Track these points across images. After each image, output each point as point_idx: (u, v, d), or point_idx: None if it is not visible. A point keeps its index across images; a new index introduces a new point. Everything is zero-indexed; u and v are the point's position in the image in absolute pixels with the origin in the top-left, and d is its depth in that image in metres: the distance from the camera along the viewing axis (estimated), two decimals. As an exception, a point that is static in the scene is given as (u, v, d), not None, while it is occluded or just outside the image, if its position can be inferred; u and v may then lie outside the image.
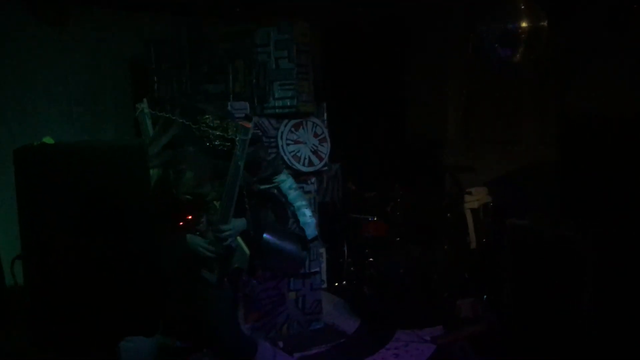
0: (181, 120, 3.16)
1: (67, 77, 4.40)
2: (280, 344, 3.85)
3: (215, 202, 3.19)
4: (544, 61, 4.62)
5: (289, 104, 4.19)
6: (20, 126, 4.08)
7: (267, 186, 3.54)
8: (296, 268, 3.93)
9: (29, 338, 2.12)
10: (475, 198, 4.90)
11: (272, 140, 4.23)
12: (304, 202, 3.93)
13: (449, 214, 5.00)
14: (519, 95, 5.17)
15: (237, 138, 3.04)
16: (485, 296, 4.60)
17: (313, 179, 4.47)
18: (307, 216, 3.92)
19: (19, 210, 2.05)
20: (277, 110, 4.21)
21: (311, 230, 3.91)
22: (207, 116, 3.22)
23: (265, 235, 3.38)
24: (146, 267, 2.13)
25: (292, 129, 4.30)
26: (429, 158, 5.71)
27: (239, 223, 3.23)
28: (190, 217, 3.21)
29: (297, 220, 3.89)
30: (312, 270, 4.42)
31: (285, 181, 3.79)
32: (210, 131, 3.17)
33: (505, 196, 4.89)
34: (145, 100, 3.32)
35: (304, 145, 4.34)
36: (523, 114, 5.12)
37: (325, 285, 5.07)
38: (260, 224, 3.35)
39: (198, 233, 3.18)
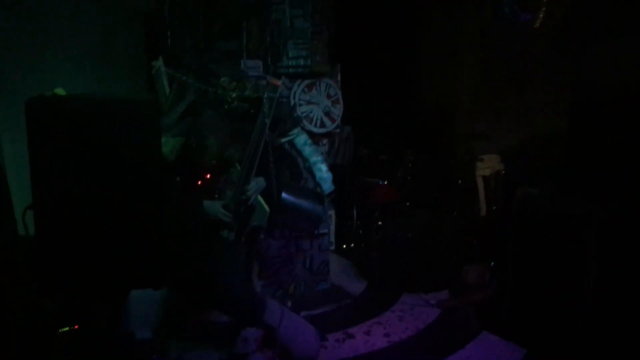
0: (198, 85, 3.14)
1: (80, 30, 4.37)
2: (289, 303, 3.90)
3: (236, 163, 3.19)
4: (562, 28, 4.52)
5: (302, 63, 4.15)
6: (34, 77, 4.07)
7: (285, 139, 3.53)
8: (313, 225, 3.95)
9: (38, 285, 2.17)
10: (487, 165, 4.87)
11: (284, 100, 4.20)
12: (319, 158, 3.92)
13: (459, 181, 4.98)
14: (535, 63, 5.07)
15: (265, 96, 3.02)
16: (492, 263, 4.61)
17: (324, 141, 4.45)
18: (323, 171, 3.92)
19: (30, 159, 2.06)
20: (290, 70, 4.17)
21: (328, 186, 3.92)
22: (223, 78, 3.19)
23: (283, 194, 3.39)
24: (153, 220, 2.15)
25: (305, 90, 4.26)
26: (442, 123, 5.65)
27: (259, 182, 3.23)
28: (209, 176, 3.21)
29: (313, 176, 3.88)
30: (321, 232, 4.44)
31: (300, 137, 3.77)
32: (227, 93, 3.15)
33: (517, 165, 4.85)
34: (161, 58, 3.29)
35: (317, 106, 4.31)
36: (538, 82, 5.03)
37: (333, 247, 5.10)
38: (280, 182, 3.35)
39: (217, 192, 3.18)
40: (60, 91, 2.25)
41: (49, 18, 4.23)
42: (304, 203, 3.59)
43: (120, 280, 2.26)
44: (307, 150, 3.88)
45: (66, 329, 3.21)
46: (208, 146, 3.15)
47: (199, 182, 3.23)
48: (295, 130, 3.62)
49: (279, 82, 3.05)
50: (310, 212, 3.66)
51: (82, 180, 2.04)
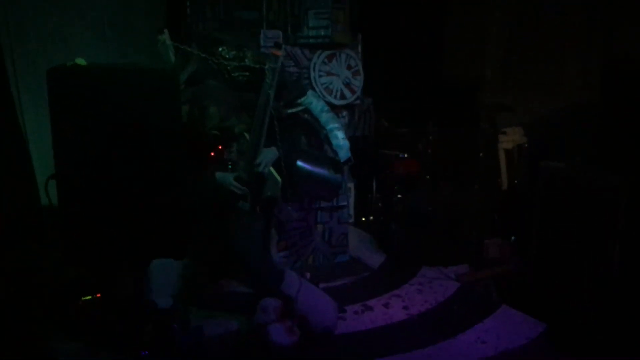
0: (197, 53, 3.12)
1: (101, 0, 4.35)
2: (308, 275, 3.92)
3: (245, 133, 3.18)
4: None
5: (323, 33, 4.10)
6: (55, 48, 4.08)
7: (295, 109, 3.49)
8: (332, 192, 3.92)
9: (62, 254, 2.19)
10: (510, 138, 4.78)
11: (304, 71, 4.16)
12: (336, 125, 3.88)
13: (481, 154, 4.91)
14: (563, 34, 4.93)
15: (267, 67, 3.00)
16: (513, 238, 4.57)
17: (344, 113, 4.41)
18: (339, 139, 3.87)
19: (52, 129, 2.07)
20: (310, 40, 4.12)
21: (344, 153, 3.87)
22: (221, 48, 3.16)
23: (298, 162, 3.37)
24: (175, 189, 2.15)
25: (326, 60, 4.21)
26: (465, 96, 5.56)
27: (270, 153, 3.22)
28: (220, 147, 3.22)
29: (329, 143, 3.85)
30: (340, 204, 4.44)
31: (316, 104, 3.73)
32: (226, 63, 3.12)
33: (542, 138, 4.76)
34: (166, 31, 3.24)
35: (337, 77, 4.26)
36: (567, 54, 4.90)
37: (352, 220, 5.09)
38: (292, 151, 3.33)
39: (230, 163, 3.18)
40: (80, 61, 2.25)
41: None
42: (320, 171, 3.57)
43: (142, 250, 2.28)
44: (324, 117, 3.83)
45: (89, 297, 3.28)
46: (208, 116, 3.14)
47: (212, 154, 3.22)
48: (303, 100, 3.57)
49: (280, 53, 3.01)
50: (327, 179, 3.63)
51: (104, 148, 2.05)
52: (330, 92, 4.23)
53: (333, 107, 4.24)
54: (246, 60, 3.16)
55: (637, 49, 4.10)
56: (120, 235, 2.17)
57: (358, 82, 4.34)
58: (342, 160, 3.88)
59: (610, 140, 3.53)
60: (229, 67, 3.15)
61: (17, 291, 3.25)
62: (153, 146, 2.09)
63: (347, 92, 4.30)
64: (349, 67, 4.29)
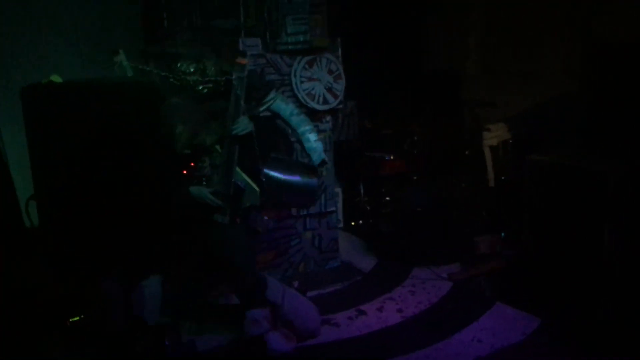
0: (156, 72, 3.07)
1: (76, 15, 4.30)
2: (295, 283, 3.88)
3: (217, 146, 3.10)
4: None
5: (302, 39, 4.06)
6: (30, 63, 4.03)
7: (263, 107, 3.42)
8: (308, 198, 3.85)
9: (49, 271, 2.15)
10: (494, 135, 4.79)
11: (285, 77, 4.12)
12: (307, 127, 3.82)
13: (467, 152, 4.91)
14: (543, 24, 4.94)
15: (234, 77, 2.93)
16: (503, 233, 4.57)
17: (328, 118, 4.38)
18: (311, 141, 3.82)
19: (29, 148, 2.03)
20: (290, 47, 4.08)
21: (317, 156, 3.81)
22: (179, 64, 3.11)
23: (266, 170, 3.30)
24: (158, 202, 2.12)
25: (306, 66, 4.18)
26: (448, 93, 5.56)
27: (244, 120, 3.08)
28: (192, 164, 3.15)
29: (303, 147, 3.78)
30: (328, 210, 4.40)
31: (285, 108, 3.67)
32: (188, 78, 3.07)
33: (526, 131, 4.77)
34: (121, 51, 3.16)
35: (318, 82, 4.23)
36: (547, 43, 4.91)
37: (341, 225, 5.06)
38: (266, 158, 3.28)
39: (204, 179, 3.11)
40: (56, 78, 2.21)
41: (45, 3, 4.16)
42: (293, 178, 3.51)
43: (128, 266, 2.24)
44: (294, 120, 3.77)
45: (76, 318, 3.21)
46: (177, 135, 3.07)
47: (184, 172, 3.15)
48: (272, 95, 3.51)
49: (246, 61, 2.94)
50: (302, 185, 3.58)
51: (82, 165, 2.01)
52: (313, 97, 4.20)
53: (316, 113, 4.22)
54: (207, 72, 3.11)
55: (617, 34, 4.12)
56: (104, 251, 2.13)
57: (340, 86, 4.31)
58: (316, 164, 3.82)
59: (596, 128, 3.54)
60: (191, 82, 3.09)
61: (3, 312, 3.17)
62: (134, 160, 2.05)
63: (329, 97, 4.27)
64: (330, 72, 4.26)
